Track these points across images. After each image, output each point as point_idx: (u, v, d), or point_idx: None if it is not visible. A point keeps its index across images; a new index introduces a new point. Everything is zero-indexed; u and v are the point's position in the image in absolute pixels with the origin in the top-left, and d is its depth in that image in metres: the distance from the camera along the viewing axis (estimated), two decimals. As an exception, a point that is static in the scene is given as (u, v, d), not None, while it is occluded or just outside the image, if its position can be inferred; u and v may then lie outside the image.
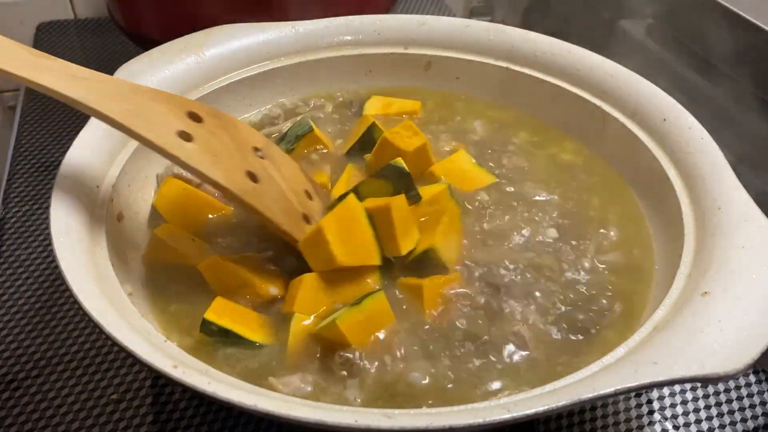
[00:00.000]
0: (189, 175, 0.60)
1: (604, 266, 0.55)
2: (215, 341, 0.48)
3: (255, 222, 0.56)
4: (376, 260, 0.51)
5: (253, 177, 0.50)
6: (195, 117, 0.49)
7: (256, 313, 0.50)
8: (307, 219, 0.53)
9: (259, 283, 0.51)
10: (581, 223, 0.59)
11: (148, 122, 0.47)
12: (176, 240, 0.55)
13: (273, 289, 0.51)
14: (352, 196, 0.51)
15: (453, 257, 0.53)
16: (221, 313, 0.48)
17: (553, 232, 0.57)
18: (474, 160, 0.64)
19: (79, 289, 0.43)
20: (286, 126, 0.68)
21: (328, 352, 0.47)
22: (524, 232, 0.57)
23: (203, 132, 0.49)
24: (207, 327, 0.48)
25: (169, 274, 0.54)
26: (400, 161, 0.57)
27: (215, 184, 0.48)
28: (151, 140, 0.46)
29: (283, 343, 0.48)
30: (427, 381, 0.46)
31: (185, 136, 0.48)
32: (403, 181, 0.56)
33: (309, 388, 0.45)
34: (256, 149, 0.53)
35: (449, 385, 0.46)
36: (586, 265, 0.54)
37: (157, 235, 0.55)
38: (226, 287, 0.51)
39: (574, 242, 0.56)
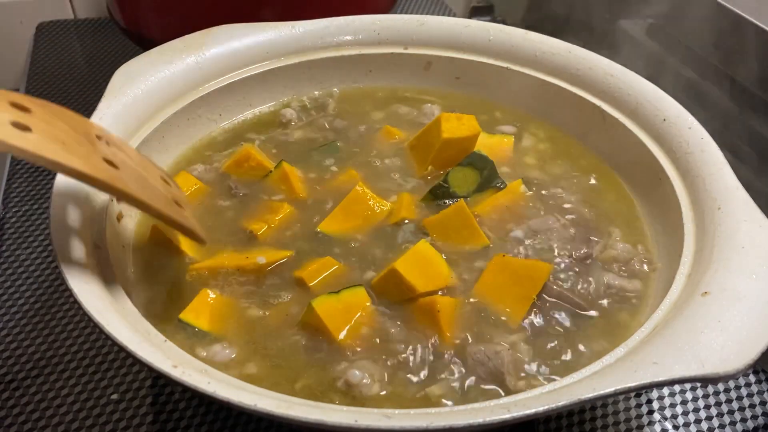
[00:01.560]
0: (200, 173, 0.62)
1: (605, 266, 0.55)
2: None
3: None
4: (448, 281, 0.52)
5: (111, 163, 0.44)
6: (22, 107, 0.41)
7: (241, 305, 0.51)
8: (178, 203, 0.50)
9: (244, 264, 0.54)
10: (581, 223, 0.59)
11: None
12: (174, 233, 0.56)
13: (260, 258, 0.54)
14: (423, 242, 0.53)
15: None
16: (200, 310, 0.50)
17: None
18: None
19: (79, 289, 0.43)
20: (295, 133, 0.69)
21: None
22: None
23: (38, 121, 0.41)
24: (182, 323, 0.50)
25: (161, 262, 0.55)
26: (482, 151, 0.60)
27: (78, 174, 0.41)
28: None
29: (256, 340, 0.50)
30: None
31: (21, 127, 0.39)
32: (488, 169, 0.59)
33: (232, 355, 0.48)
34: (99, 137, 0.46)
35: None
36: (588, 264, 0.54)
37: (158, 227, 0.56)
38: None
39: (574, 241, 0.56)
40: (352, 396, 0.45)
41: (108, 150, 0.46)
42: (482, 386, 0.46)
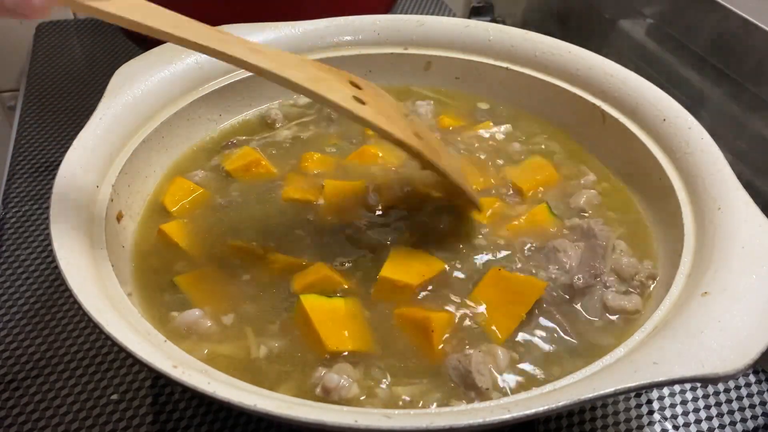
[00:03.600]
0: (197, 178, 0.62)
1: (606, 285, 0.54)
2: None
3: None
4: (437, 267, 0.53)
5: (418, 136, 0.53)
6: (356, 85, 0.52)
7: None
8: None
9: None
10: (582, 232, 0.58)
11: (329, 87, 0.48)
12: (181, 237, 0.56)
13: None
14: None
15: None
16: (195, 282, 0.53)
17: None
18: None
19: (79, 289, 0.43)
20: (283, 133, 0.69)
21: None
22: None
23: (368, 98, 0.51)
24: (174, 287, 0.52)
25: (161, 262, 0.55)
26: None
27: (399, 143, 0.51)
28: (338, 102, 0.48)
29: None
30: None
31: (359, 101, 0.50)
32: None
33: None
34: (406, 115, 0.58)
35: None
36: (590, 281, 0.54)
37: (164, 230, 0.56)
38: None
39: (578, 257, 0.55)
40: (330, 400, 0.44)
41: (413, 124, 0.56)
42: (450, 385, 0.45)
